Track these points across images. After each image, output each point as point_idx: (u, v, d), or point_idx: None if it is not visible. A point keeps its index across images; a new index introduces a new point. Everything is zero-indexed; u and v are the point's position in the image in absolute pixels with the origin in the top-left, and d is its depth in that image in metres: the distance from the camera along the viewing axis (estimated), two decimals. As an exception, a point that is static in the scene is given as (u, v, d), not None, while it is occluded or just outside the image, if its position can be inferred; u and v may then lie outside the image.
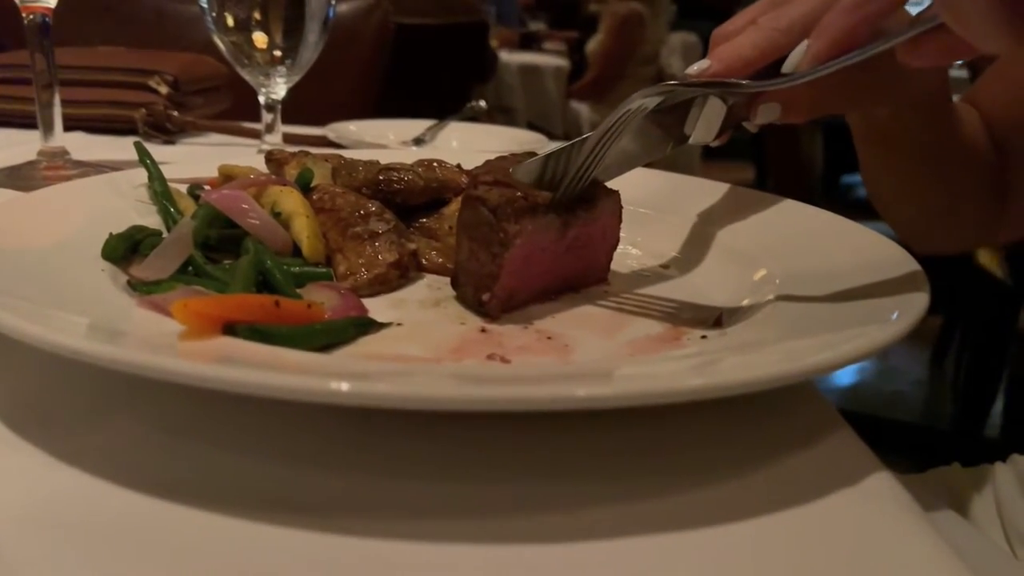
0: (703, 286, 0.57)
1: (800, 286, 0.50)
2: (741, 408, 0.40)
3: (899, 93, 0.60)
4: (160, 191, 0.62)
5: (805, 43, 0.48)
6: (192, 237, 0.52)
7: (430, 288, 0.56)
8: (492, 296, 0.49)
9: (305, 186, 0.63)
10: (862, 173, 0.77)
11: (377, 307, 0.51)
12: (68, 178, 0.80)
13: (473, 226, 0.50)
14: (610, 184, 0.55)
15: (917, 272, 0.48)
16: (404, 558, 0.30)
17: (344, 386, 0.31)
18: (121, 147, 1.01)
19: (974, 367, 2.34)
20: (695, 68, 0.52)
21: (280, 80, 0.94)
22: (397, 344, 0.46)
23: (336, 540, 0.31)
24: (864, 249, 0.54)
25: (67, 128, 0.84)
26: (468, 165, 0.65)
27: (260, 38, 0.90)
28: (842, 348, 0.37)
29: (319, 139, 1.09)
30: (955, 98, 0.71)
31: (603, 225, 0.55)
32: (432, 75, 2.51)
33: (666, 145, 0.54)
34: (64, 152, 0.83)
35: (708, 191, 0.69)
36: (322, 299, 0.48)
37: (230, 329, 0.40)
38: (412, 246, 0.57)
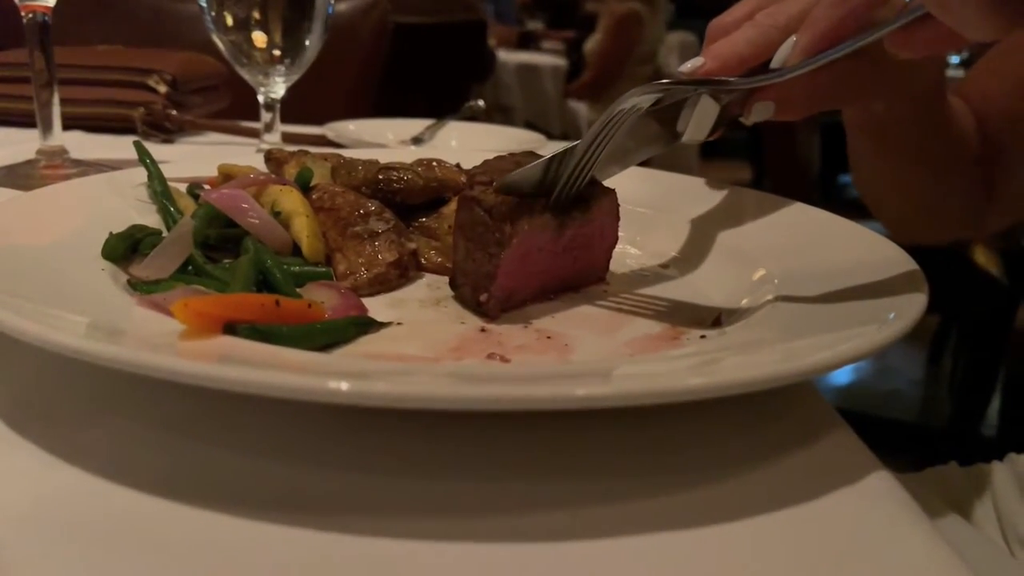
0: (702, 286, 0.57)
1: (799, 286, 0.50)
2: (740, 407, 0.40)
3: (896, 87, 0.59)
4: (160, 190, 0.62)
5: (793, 38, 0.48)
6: (192, 236, 0.52)
7: (430, 287, 0.56)
8: (489, 296, 0.49)
9: (305, 185, 0.63)
10: (851, 161, 0.77)
11: (377, 306, 0.51)
12: (67, 177, 0.80)
13: (469, 226, 0.50)
14: (608, 184, 0.55)
15: (915, 272, 0.48)
16: (404, 557, 0.30)
17: (344, 385, 0.31)
18: (120, 146, 1.01)
19: (971, 366, 2.35)
20: (688, 66, 0.51)
21: (279, 79, 0.94)
22: (397, 343, 0.46)
23: (336, 539, 0.31)
24: (862, 249, 0.54)
25: (66, 127, 0.84)
26: (467, 164, 0.65)
27: (259, 37, 0.90)
28: (841, 348, 0.37)
29: (318, 138, 1.09)
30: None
31: (601, 224, 0.55)
32: (430, 74, 2.51)
33: (660, 144, 0.54)
34: (63, 151, 0.83)
35: (707, 191, 0.69)
36: (322, 298, 0.48)
37: (230, 328, 0.40)
38: (412, 245, 0.57)
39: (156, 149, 0.68)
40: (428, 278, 0.57)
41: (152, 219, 0.59)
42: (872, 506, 0.35)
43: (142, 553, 0.29)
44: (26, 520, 0.31)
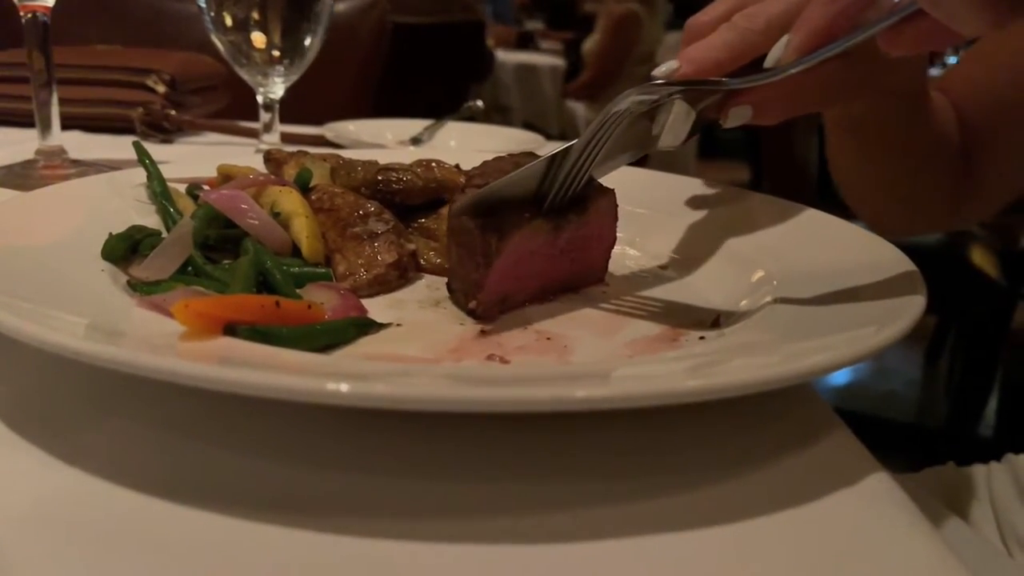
0: (701, 287, 0.57)
1: (797, 287, 0.50)
2: (739, 408, 0.40)
3: (877, 87, 0.59)
4: (159, 191, 0.62)
5: (786, 37, 0.48)
6: (192, 237, 0.52)
7: (429, 288, 0.56)
8: (478, 304, 0.49)
9: (304, 186, 0.63)
10: (829, 155, 0.77)
11: (376, 307, 0.51)
12: (66, 177, 0.80)
13: (459, 232, 0.50)
14: (606, 184, 0.55)
15: (914, 273, 0.48)
16: (403, 558, 0.30)
17: (344, 387, 0.31)
18: (119, 146, 1.00)
19: (968, 367, 2.35)
20: (663, 69, 0.50)
21: (278, 79, 0.94)
22: (396, 344, 0.46)
23: (336, 540, 0.31)
24: (861, 250, 0.54)
25: (65, 127, 0.84)
26: (466, 165, 0.65)
27: (258, 37, 0.90)
28: (840, 350, 0.37)
29: (317, 138, 1.09)
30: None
31: (598, 225, 0.55)
32: (429, 74, 2.51)
33: (635, 150, 0.52)
34: (62, 151, 0.83)
35: (706, 192, 0.69)
36: (322, 299, 0.48)
37: (230, 329, 0.40)
38: (411, 246, 0.57)
39: (155, 149, 0.68)
40: (427, 279, 0.57)
41: (151, 219, 0.59)
42: (870, 506, 0.35)
43: (142, 554, 0.29)
44: (26, 521, 0.31)
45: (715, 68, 0.49)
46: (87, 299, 0.45)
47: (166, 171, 0.64)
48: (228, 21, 0.90)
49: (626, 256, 0.63)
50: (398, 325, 0.49)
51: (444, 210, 0.63)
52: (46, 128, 0.82)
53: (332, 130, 1.12)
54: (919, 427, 2.62)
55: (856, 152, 0.73)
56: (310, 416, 0.39)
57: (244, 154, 0.76)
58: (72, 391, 0.41)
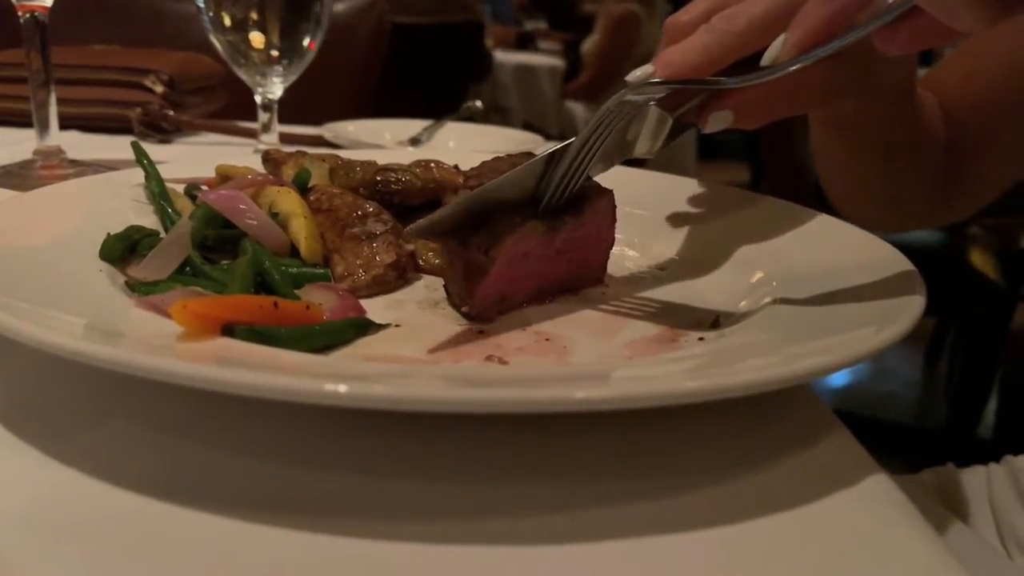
0: (700, 288, 0.57)
1: (797, 288, 0.50)
2: (738, 409, 0.40)
3: (866, 88, 0.58)
4: (157, 191, 0.61)
5: (783, 36, 0.48)
6: (190, 237, 0.52)
7: (428, 289, 0.56)
8: (470, 308, 0.49)
9: (303, 186, 0.63)
10: (814, 151, 0.77)
11: (375, 308, 0.51)
12: (64, 177, 0.80)
13: (448, 244, 0.50)
14: (605, 185, 0.55)
15: (913, 274, 0.48)
16: (402, 558, 0.30)
17: (342, 388, 0.31)
18: (117, 146, 1.00)
19: (967, 368, 2.35)
20: (637, 74, 0.49)
21: (277, 79, 0.94)
22: (395, 345, 0.46)
23: (334, 541, 0.31)
24: (860, 251, 0.54)
25: (63, 127, 0.84)
26: (465, 165, 0.65)
27: (257, 38, 0.90)
28: (839, 351, 0.37)
29: (316, 139, 1.09)
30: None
31: (596, 226, 0.55)
32: (428, 74, 2.51)
33: (615, 156, 0.52)
34: (60, 151, 0.83)
35: (705, 193, 0.69)
36: (320, 300, 0.48)
37: (228, 330, 0.40)
38: (410, 247, 0.57)
39: (153, 149, 0.68)
40: (426, 280, 0.57)
41: (150, 220, 0.59)
42: (869, 508, 0.35)
43: (140, 554, 0.29)
44: (24, 521, 0.31)
45: (691, 73, 0.48)
46: (85, 299, 0.45)
47: (164, 171, 0.64)
48: (227, 21, 0.90)
49: (625, 257, 0.63)
50: (397, 326, 0.49)
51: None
52: (44, 128, 0.82)
53: (331, 130, 1.12)
54: (918, 428, 2.62)
55: (840, 150, 0.73)
56: (308, 417, 0.39)
57: (242, 154, 0.76)
58: (70, 391, 0.41)
